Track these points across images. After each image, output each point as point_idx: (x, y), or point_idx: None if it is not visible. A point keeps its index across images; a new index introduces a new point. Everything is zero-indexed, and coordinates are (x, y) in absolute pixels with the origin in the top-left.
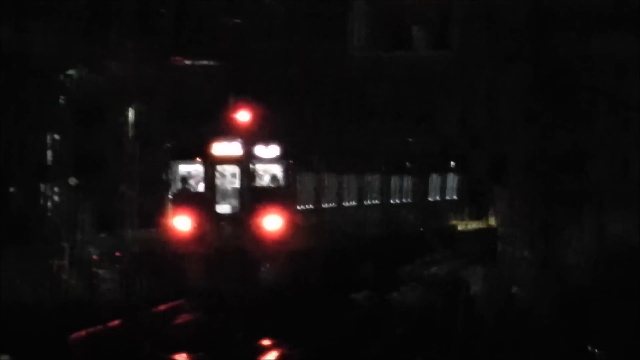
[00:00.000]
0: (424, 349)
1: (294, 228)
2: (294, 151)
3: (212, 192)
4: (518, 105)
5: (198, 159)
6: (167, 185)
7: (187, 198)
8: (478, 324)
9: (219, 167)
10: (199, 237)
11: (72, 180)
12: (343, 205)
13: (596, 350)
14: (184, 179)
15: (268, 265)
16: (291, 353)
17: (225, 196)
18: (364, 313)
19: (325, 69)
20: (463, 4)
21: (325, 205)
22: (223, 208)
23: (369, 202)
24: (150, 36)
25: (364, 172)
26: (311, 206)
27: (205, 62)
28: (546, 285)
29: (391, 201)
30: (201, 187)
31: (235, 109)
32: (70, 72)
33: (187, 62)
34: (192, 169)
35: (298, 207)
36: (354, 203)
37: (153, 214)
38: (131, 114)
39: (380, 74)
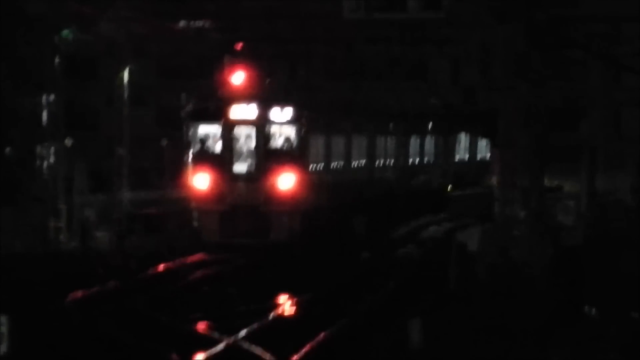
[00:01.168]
0: (418, 298)
1: (306, 187)
2: (306, 114)
3: (229, 152)
4: (510, 63)
5: (216, 121)
6: (186, 145)
7: (205, 158)
8: (472, 279)
9: (235, 129)
10: (216, 194)
11: (68, 141)
12: (351, 166)
13: (587, 308)
14: (203, 140)
15: (281, 220)
16: (300, 298)
17: (241, 156)
18: (364, 267)
19: (319, 31)
20: None
21: (334, 166)
22: (239, 168)
23: (375, 163)
24: None
25: (369, 134)
26: (321, 166)
27: (197, 21)
28: (539, 242)
29: (394, 162)
30: (219, 148)
31: (231, 69)
32: (64, 32)
33: (180, 21)
34: (210, 130)
35: (310, 167)
36: (360, 164)
37: (147, 174)
38: (125, 73)
39: (373, 34)
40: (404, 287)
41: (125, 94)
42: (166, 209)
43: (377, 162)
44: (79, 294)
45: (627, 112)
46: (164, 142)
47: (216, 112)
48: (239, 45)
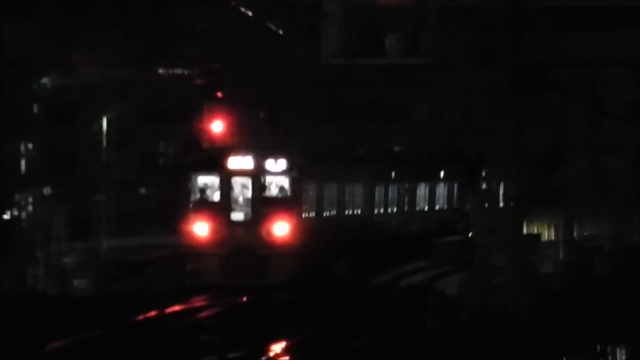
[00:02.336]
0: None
1: (300, 232)
2: (299, 164)
3: (227, 200)
4: (493, 107)
5: (215, 171)
6: (187, 194)
7: (205, 205)
8: (452, 325)
9: (233, 179)
10: (216, 239)
11: (47, 190)
12: (339, 214)
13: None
14: (202, 189)
15: (276, 263)
16: (281, 346)
17: (239, 204)
18: (345, 312)
19: (299, 75)
20: (436, 8)
21: (324, 213)
22: (237, 215)
23: (363, 211)
24: (125, 41)
25: (357, 182)
26: (313, 214)
27: (178, 65)
28: (519, 289)
29: (380, 210)
30: (217, 197)
31: (212, 116)
32: (43, 79)
33: (162, 65)
34: (209, 180)
35: (303, 214)
36: (350, 212)
37: (128, 221)
38: (105, 118)
39: (353, 80)
40: (382, 336)
41: (106, 139)
42: (148, 256)
43: (360, 209)
44: (57, 343)
45: (609, 157)
46: (145, 189)
47: (214, 163)
48: (220, 93)
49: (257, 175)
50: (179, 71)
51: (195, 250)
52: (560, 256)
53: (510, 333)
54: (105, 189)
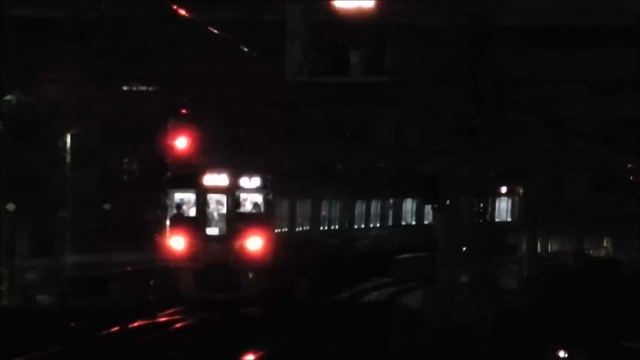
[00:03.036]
0: None
1: (272, 247)
2: (272, 182)
3: (203, 216)
4: (454, 125)
5: (191, 189)
6: (164, 210)
7: (181, 221)
8: (414, 342)
9: (209, 196)
10: (192, 254)
11: (10, 206)
12: (310, 229)
13: None
14: (179, 205)
15: (249, 277)
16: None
17: (213, 220)
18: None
19: (262, 93)
20: (399, 26)
21: (290, 229)
22: (212, 231)
23: (331, 227)
24: (89, 59)
25: (327, 199)
26: (284, 229)
27: (143, 85)
28: (481, 306)
29: (345, 226)
30: (193, 213)
31: (175, 133)
32: (6, 97)
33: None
34: (185, 197)
35: (275, 229)
36: (320, 227)
37: (90, 237)
38: (68, 135)
39: (317, 98)
40: (344, 354)
41: (68, 156)
42: (110, 273)
43: (324, 226)
44: (21, 358)
45: (571, 175)
46: (109, 205)
47: (191, 180)
48: (183, 110)
49: (232, 192)
50: (142, 89)
51: (171, 264)
52: (524, 273)
53: (471, 350)
54: (68, 205)
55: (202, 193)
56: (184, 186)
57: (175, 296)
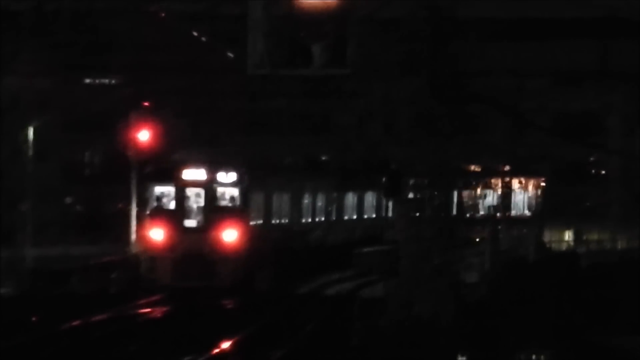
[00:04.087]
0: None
1: (246, 238)
2: (247, 176)
3: (181, 209)
4: (415, 117)
5: (170, 182)
6: (144, 202)
7: (161, 214)
8: (376, 333)
9: (187, 189)
10: (170, 244)
11: None
12: (284, 222)
13: None
14: (159, 198)
15: (224, 267)
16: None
17: (191, 213)
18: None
19: (224, 86)
20: (359, 18)
21: (261, 221)
22: (190, 223)
23: (298, 220)
24: (49, 51)
25: (297, 191)
26: (259, 221)
27: (104, 77)
28: (442, 298)
29: (309, 219)
30: (172, 205)
31: (137, 127)
32: None
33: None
34: (165, 190)
35: (250, 222)
36: (282, 221)
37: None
38: (29, 128)
39: (279, 90)
40: (307, 344)
41: (30, 149)
42: (72, 265)
43: (288, 219)
44: None
45: (533, 168)
46: (69, 199)
47: (171, 174)
48: (145, 103)
49: (210, 186)
50: (104, 81)
51: (150, 253)
52: (486, 265)
53: (431, 343)
54: (29, 198)
55: (181, 187)
56: (164, 180)
57: (138, 287)
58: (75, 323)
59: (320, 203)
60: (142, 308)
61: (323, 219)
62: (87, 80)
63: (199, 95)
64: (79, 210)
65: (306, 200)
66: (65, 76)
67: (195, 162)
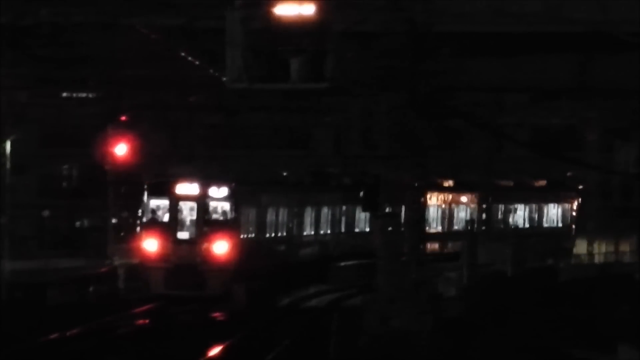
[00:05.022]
0: None
1: (236, 250)
2: (238, 192)
3: (174, 221)
4: (393, 132)
5: (165, 196)
6: (139, 215)
7: (155, 225)
8: (354, 348)
9: (181, 203)
10: (163, 255)
11: None
12: (270, 236)
13: None
14: (154, 211)
15: (214, 277)
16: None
17: (184, 225)
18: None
19: (201, 100)
20: (338, 33)
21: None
22: (182, 235)
23: (279, 233)
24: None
25: (281, 206)
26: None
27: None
28: (420, 313)
29: (285, 233)
30: (166, 218)
31: (114, 141)
32: None
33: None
34: (160, 203)
35: (240, 235)
36: (277, 234)
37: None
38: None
39: (256, 103)
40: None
41: (7, 162)
42: (49, 278)
43: (268, 233)
44: None
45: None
46: (46, 212)
47: (165, 188)
48: (122, 116)
49: (202, 200)
50: (81, 95)
51: (144, 264)
52: (464, 280)
53: (408, 358)
54: (6, 211)
55: (175, 200)
56: (159, 194)
57: (116, 300)
58: (53, 336)
59: (304, 217)
60: (119, 321)
61: (306, 232)
62: (65, 94)
63: (177, 109)
64: (57, 223)
65: (289, 214)
66: (42, 90)
67: (189, 177)
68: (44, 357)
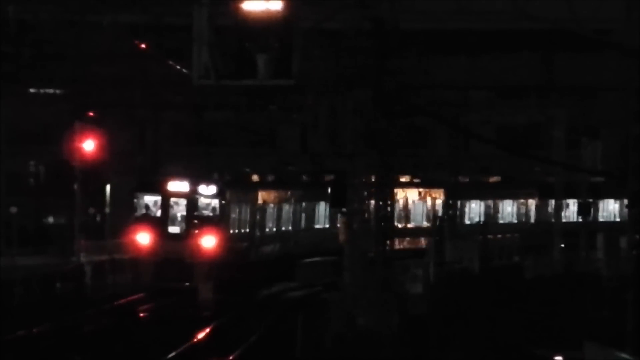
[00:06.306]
0: None
1: (222, 245)
2: (226, 190)
3: (165, 217)
4: (359, 130)
5: (157, 193)
6: (132, 210)
7: (147, 221)
8: (320, 346)
9: (171, 199)
10: (154, 248)
11: None
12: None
13: None
14: (146, 206)
15: (201, 270)
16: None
17: (175, 221)
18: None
19: (168, 97)
20: (304, 30)
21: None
22: (173, 229)
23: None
24: None
25: (252, 203)
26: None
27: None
28: (385, 310)
29: (250, 230)
30: (158, 213)
31: (81, 137)
32: None
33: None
34: (152, 200)
35: (226, 230)
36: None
37: None
38: None
39: (223, 101)
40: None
41: None
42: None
43: (235, 230)
44: None
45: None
46: (14, 209)
47: (157, 185)
48: (89, 113)
49: (192, 197)
50: (49, 92)
51: (136, 257)
52: (430, 277)
53: (374, 355)
54: None
55: (166, 197)
56: (151, 191)
57: (83, 297)
58: (19, 333)
59: (272, 213)
60: (85, 318)
61: (275, 229)
62: (32, 91)
63: (143, 106)
64: (24, 221)
65: (263, 211)
66: (9, 87)
67: (180, 175)
68: (11, 355)
